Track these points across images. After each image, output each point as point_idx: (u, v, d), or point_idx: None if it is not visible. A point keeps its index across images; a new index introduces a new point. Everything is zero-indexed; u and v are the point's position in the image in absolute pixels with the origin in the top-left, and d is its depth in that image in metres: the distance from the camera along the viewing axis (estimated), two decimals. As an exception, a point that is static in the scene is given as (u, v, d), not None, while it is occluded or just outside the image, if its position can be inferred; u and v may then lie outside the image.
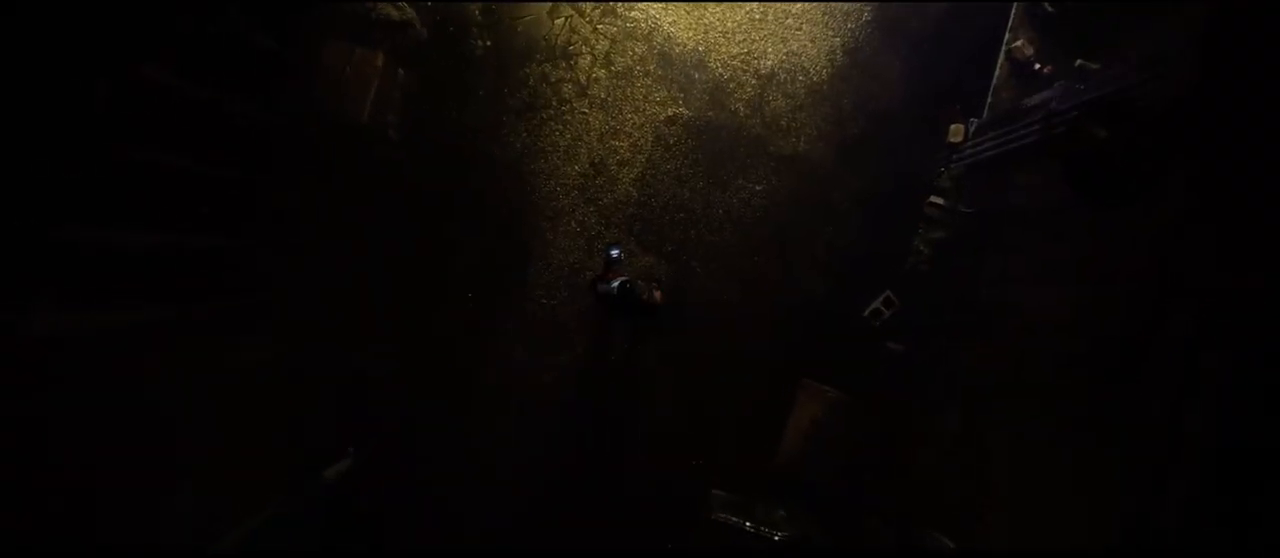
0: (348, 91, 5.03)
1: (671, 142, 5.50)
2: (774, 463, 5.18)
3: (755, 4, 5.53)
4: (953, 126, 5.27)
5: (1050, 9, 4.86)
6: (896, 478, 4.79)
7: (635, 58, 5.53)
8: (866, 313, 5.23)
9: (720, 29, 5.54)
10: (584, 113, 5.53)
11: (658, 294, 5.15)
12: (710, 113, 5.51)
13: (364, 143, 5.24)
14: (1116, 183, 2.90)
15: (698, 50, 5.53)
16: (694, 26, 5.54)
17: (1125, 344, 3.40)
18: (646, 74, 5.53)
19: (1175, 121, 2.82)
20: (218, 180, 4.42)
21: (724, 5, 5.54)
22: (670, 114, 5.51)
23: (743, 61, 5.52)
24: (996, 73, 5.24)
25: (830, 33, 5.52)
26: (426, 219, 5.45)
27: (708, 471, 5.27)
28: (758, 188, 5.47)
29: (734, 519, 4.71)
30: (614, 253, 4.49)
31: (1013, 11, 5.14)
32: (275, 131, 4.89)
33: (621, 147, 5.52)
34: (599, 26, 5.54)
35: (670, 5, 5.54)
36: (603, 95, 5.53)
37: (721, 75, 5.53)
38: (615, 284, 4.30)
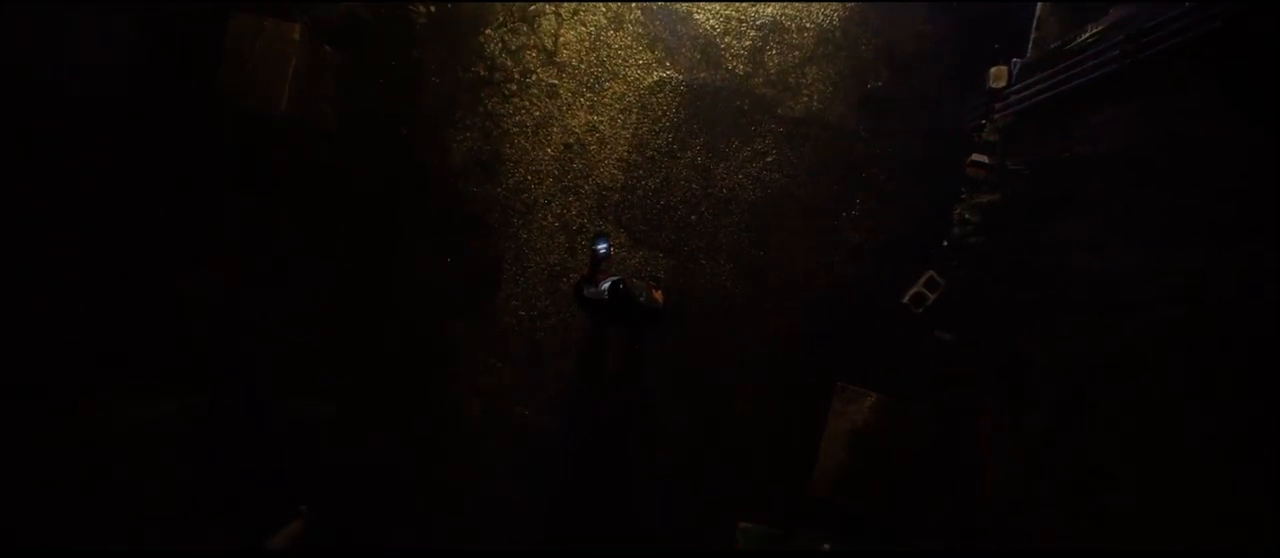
0: (259, 75, 4.07)
1: (660, 111, 4.61)
2: (810, 484, 4.34)
3: (748, -59, 4.65)
4: (993, 69, 4.44)
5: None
6: (965, 493, 3.98)
7: (609, 15, 4.63)
8: (906, 299, 4.39)
9: (709, -28, 4.65)
10: (553, 84, 4.62)
11: (657, 294, 4.28)
12: (704, 73, 4.62)
13: (286, 137, 4.29)
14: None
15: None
16: (677, -28, 4.65)
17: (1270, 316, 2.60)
18: (624, 33, 4.63)
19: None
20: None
21: (711, -55, 4.65)
22: (656, 79, 4.62)
23: (738, 10, 4.64)
24: (1039, 2, 4.41)
25: (839, -31, 4.66)
26: (374, 225, 4.53)
27: (732, 499, 4.41)
28: (767, 159, 4.60)
29: (771, 563, 3.87)
30: (601, 248, 3.60)
31: (1056, -72, 4.31)
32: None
33: (601, 121, 4.62)
34: (564, -21, 4.63)
35: (647, -51, 4.64)
36: (574, 62, 4.62)
37: (713, 28, 4.64)
38: (605, 286, 3.42)
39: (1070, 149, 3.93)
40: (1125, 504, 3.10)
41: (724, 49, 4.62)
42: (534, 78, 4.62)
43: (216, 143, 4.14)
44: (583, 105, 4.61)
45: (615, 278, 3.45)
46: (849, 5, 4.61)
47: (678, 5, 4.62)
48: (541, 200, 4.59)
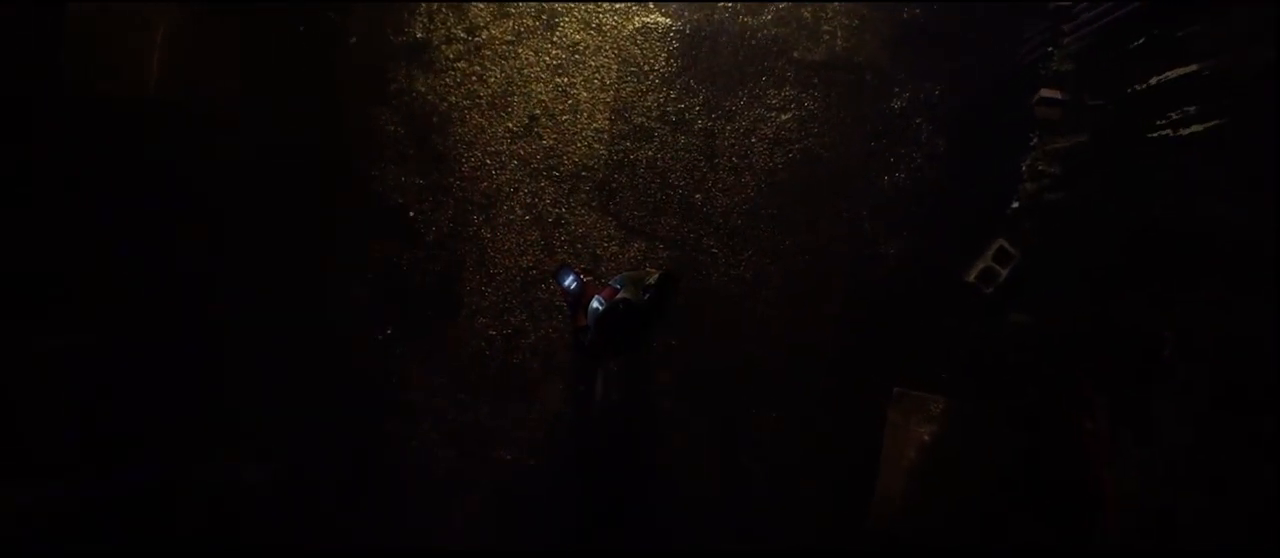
0: (113, 51, 3.08)
1: (647, 66, 3.69)
2: (869, 520, 3.48)
3: None
4: (1057, -17, 3.57)
5: None
6: (1073, 518, 3.14)
7: (574, -51, 3.69)
8: (972, 277, 3.53)
9: (695, -114, 3.72)
10: (509, 42, 3.68)
11: (649, 269, 3.38)
12: (698, 15, 3.71)
13: (160, 127, 3.31)
14: None
15: (666, -75, 3.71)
16: (655, -111, 3.71)
17: None
18: (595, -29, 3.69)
19: None
20: None
21: None
22: (639, 25, 3.70)
23: (735, -68, 3.72)
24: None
25: (855, -126, 3.74)
26: (292, 237, 3.57)
27: (770, 547, 3.54)
28: (784, 116, 3.70)
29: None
30: (568, 282, 2.92)
31: None
32: None
33: (573, 84, 3.69)
34: (512, -94, 3.67)
35: None
36: (533, 12, 3.68)
37: (706, -42, 3.72)
38: (591, 316, 2.74)
39: (1168, 72, 3.06)
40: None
41: (721, -18, 3.71)
42: (484, 36, 3.67)
43: (67, 144, 3.14)
44: (548, 66, 3.68)
45: (596, 305, 2.74)
46: (872, -84, 3.71)
47: (659, -68, 3.70)
48: (505, 189, 3.65)
